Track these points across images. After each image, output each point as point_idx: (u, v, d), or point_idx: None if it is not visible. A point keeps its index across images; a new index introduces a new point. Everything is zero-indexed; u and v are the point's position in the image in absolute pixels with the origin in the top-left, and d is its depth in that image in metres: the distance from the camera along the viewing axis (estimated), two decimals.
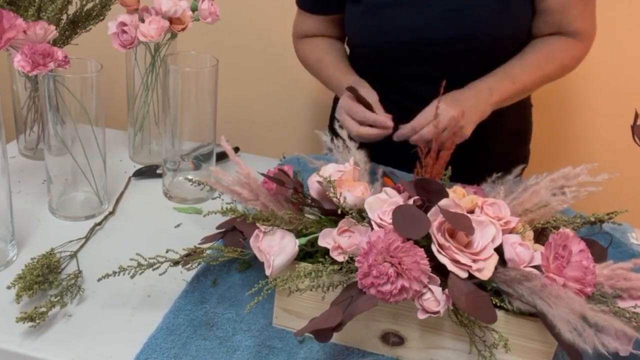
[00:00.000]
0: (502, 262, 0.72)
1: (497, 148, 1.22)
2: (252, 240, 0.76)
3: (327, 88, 1.22)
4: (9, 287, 0.77)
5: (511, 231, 0.74)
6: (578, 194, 0.81)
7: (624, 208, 0.86)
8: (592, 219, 0.80)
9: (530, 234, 0.77)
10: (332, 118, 1.37)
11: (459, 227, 0.69)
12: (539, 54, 1.10)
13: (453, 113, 0.97)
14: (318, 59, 1.21)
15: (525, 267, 0.71)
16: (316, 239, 0.75)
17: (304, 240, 0.76)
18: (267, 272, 0.73)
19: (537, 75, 1.09)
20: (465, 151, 1.02)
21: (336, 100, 1.38)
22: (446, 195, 0.73)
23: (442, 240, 0.69)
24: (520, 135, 1.31)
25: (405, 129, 1.00)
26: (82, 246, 0.90)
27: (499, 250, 0.72)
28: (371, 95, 1.05)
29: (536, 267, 0.71)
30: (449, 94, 1.01)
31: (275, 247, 0.74)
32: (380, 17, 1.11)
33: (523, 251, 0.71)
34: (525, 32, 1.12)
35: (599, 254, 0.74)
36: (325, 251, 0.74)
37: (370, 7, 1.11)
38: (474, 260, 0.69)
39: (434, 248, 0.69)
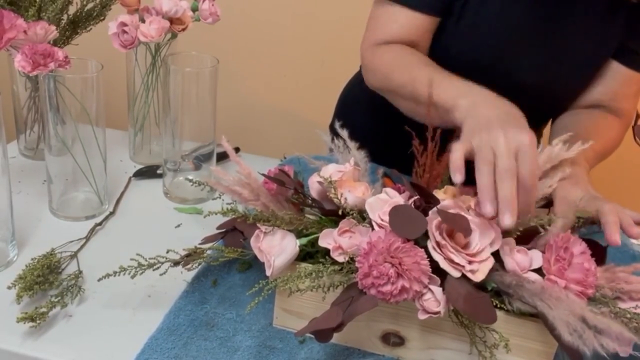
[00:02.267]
0: (502, 262, 0.72)
1: None
2: (252, 241, 0.76)
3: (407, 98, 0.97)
4: (9, 288, 0.77)
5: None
6: (563, 174, 0.81)
7: (624, 207, 0.86)
8: (592, 219, 0.79)
9: None
10: (334, 118, 1.37)
11: (456, 227, 0.69)
12: (599, 128, 1.03)
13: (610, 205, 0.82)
14: (414, 65, 0.96)
15: (525, 272, 0.71)
16: (317, 239, 0.75)
17: (304, 240, 0.76)
18: (268, 272, 0.73)
19: (601, 146, 1.00)
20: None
21: (340, 99, 1.37)
22: (437, 202, 0.73)
23: (439, 239, 0.69)
24: None
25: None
26: (82, 246, 0.90)
27: (498, 252, 0.72)
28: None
29: (537, 270, 0.71)
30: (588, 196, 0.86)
31: (276, 248, 0.74)
32: (481, 43, 1.02)
33: (522, 258, 0.71)
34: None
35: (599, 253, 0.74)
36: (326, 251, 0.74)
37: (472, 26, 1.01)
38: (469, 262, 0.69)
39: (430, 245, 0.69)
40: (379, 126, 1.21)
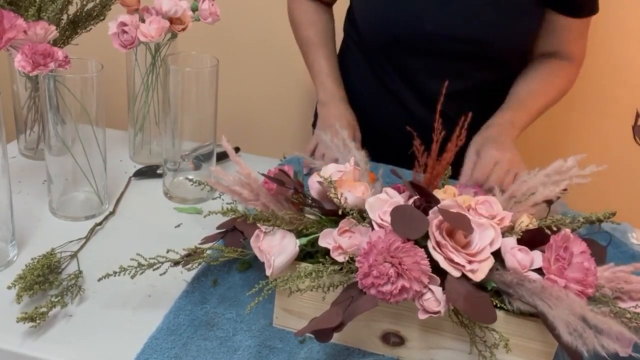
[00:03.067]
0: (502, 261, 0.72)
1: None
2: (252, 241, 0.76)
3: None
4: (9, 287, 0.77)
5: (510, 229, 0.74)
6: (570, 181, 0.82)
7: (624, 208, 0.86)
8: (593, 219, 0.79)
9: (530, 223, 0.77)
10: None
11: (457, 226, 0.69)
12: (542, 81, 1.18)
13: (510, 155, 1.04)
14: (310, 39, 1.29)
15: (526, 271, 0.71)
16: (317, 239, 0.75)
17: (304, 240, 0.76)
18: (268, 272, 0.73)
19: (542, 102, 1.17)
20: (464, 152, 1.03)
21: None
22: (437, 202, 0.73)
23: (439, 238, 0.69)
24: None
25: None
26: (82, 246, 0.90)
27: (498, 252, 0.72)
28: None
29: (537, 269, 0.71)
30: (478, 137, 1.09)
31: (276, 248, 0.74)
32: (399, 8, 1.15)
33: (523, 257, 0.71)
34: (529, 45, 1.19)
35: (599, 253, 0.74)
36: (326, 251, 0.74)
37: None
38: (469, 261, 0.69)
39: (430, 245, 0.69)
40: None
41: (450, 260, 0.69)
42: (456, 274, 0.68)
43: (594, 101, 1.61)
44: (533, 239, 0.74)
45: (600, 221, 0.80)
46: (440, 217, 0.70)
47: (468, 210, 0.74)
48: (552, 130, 1.64)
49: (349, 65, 1.33)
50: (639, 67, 1.55)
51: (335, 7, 1.34)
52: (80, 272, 0.84)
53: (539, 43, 1.21)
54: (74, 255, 0.88)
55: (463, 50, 1.14)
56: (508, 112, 1.14)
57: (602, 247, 0.76)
